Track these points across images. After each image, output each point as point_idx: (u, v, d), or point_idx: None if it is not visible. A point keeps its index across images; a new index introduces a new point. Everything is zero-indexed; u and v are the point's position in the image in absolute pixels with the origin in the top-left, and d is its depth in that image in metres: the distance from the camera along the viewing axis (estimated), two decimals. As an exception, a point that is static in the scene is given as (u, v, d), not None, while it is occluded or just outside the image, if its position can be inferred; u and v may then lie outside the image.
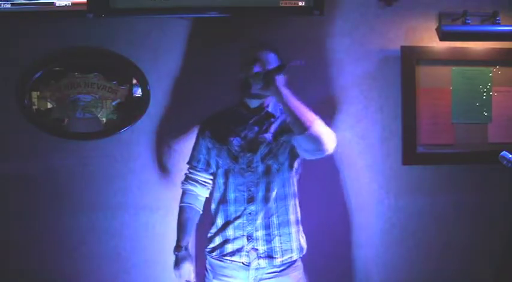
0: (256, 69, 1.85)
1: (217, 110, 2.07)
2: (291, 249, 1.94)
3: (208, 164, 2.01)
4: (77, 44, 2.31)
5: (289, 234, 1.94)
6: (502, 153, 2.04)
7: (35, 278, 2.34)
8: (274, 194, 1.91)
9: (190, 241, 2.09)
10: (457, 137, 2.43)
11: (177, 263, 1.97)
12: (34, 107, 2.31)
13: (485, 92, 2.43)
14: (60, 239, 2.34)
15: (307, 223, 2.38)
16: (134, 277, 2.37)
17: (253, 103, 1.96)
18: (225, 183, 1.94)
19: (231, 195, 1.92)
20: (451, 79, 2.42)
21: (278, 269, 1.93)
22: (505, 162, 2.03)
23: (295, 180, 1.99)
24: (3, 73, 2.29)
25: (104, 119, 2.34)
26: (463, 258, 2.45)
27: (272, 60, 1.90)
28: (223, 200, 1.95)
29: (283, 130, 1.93)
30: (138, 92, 2.33)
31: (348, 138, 2.39)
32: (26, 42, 2.29)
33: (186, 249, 2.00)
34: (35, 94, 2.30)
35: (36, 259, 2.33)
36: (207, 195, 2.04)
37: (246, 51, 1.96)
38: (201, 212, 2.03)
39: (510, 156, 2.02)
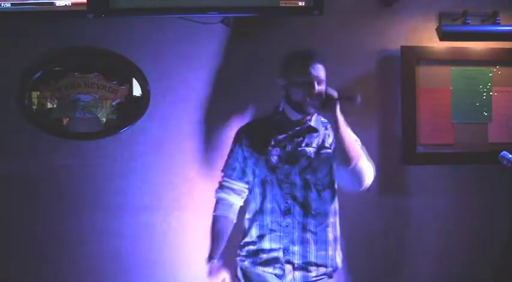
0: (317, 88, 1.79)
1: (255, 117, 2.03)
2: (326, 265, 1.88)
3: (243, 172, 1.94)
4: (77, 44, 2.31)
5: (326, 251, 1.88)
6: (502, 153, 2.04)
7: (35, 278, 2.34)
8: (313, 209, 1.86)
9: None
10: (457, 137, 2.43)
11: (210, 274, 1.93)
12: (34, 107, 2.31)
13: (485, 92, 2.43)
14: (60, 239, 2.34)
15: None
16: (134, 277, 2.36)
17: (296, 116, 1.88)
18: (262, 194, 1.89)
19: (268, 206, 1.87)
20: (451, 79, 2.42)
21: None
22: (505, 162, 2.02)
23: (335, 198, 1.94)
24: (3, 73, 2.29)
25: (104, 119, 2.34)
26: (463, 258, 2.45)
27: (323, 74, 1.84)
28: (259, 211, 1.89)
29: (327, 146, 1.89)
30: (138, 92, 2.33)
31: (348, 138, 2.38)
32: (26, 42, 2.29)
33: (219, 260, 1.94)
34: (35, 94, 2.30)
35: (36, 259, 2.33)
36: (241, 204, 1.98)
37: (296, 61, 1.85)
38: (235, 221, 1.98)
39: (510, 156, 2.02)
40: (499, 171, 2.15)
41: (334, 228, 1.93)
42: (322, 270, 1.88)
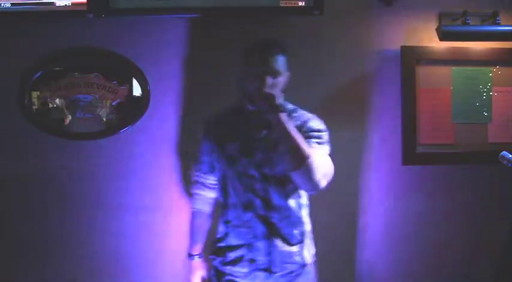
0: (270, 81, 1.72)
1: (221, 109, 1.97)
2: (294, 262, 1.83)
3: (212, 166, 1.90)
4: (77, 44, 2.31)
5: (291, 247, 1.82)
6: (502, 153, 2.04)
7: (35, 278, 2.34)
8: (275, 203, 1.80)
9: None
10: (457, 137, 2.43)
11: (192, 271, 1.95)
12: (34, 107, 2.31)
13: (485, 92, 2.43)
14: (60, 239, 2.34)
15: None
16: (134, 277, 2.37)
17: (252, 107, 1.83)
18: (224, 188, 1.86)
19: (230, 201, 1.84)
20: (451, 79, 2.42)
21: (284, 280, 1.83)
22: (505, 162, 2.03)
23: (302, 192, 1.86)
24: (3, 73, 2.29)
25: (104, 119, 2.34)
26: (463, 258, 2.45)
27: (282, 64, 1.77)
28: (224, 206, 1.87)
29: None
30: (138, 92, 2.33)
31: (347, 138, 2.38)
32: (26, 42, 2.29)
33: (199, 256, 1.93)
34: (35, 94, 2.30)
35: (36, 259, 2.33)
36: (215, 197, 1.96)
37: (251, 52, 1.80)
38: (211, 215, 1.97)
39: (510, 156, 2.02)
40: (499, 171, 2.15)
41: (300, 222, 1.85)
42: (289, 267, 1.82)
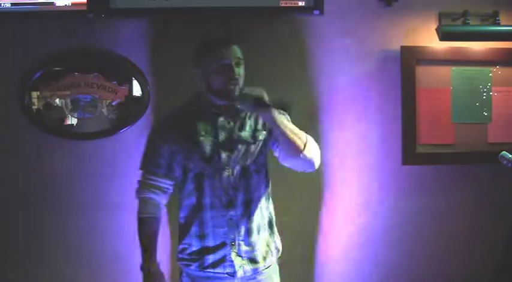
0: (240, 70, 1.74)
1: (171, 110, 1.89)
2: (271, 252, 1.84)
3: (169, 169, 1.80)
4: (77, 44, 2.31)
5: (267, 236, 1.84)
6: (502, 153, 2.04)
7: (35, 278, 2.34)
8: (254, 196, 1.79)
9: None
10: (457, 137, 2.43)
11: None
12: (34, 107, 2.31)
13: (485, 92, 2.43)
14: (60, 238, 2.34)
15: (307, 224, 2.39)
16: (134, 277, 2.36)
17: (220, 101, 1.78)
18: (198, 189, 1.77)
19: (207, 201, 1.76)
20: (451, 79, 2.42)
21: (261, 274, 1.82)
22: (505, 162, 2.03)
23: (269, 180, 1.88)
24: (3, 73, 2.29)
25: (104, 119, 2.34)
26: (463, 258, 2.45)
27: (240, 54, 1.77)
28: (197, 207, 1.78)
29: (260, 128, 1.82)
30: (138, 92, 2.33)
31: (348, 138, 2.39)
32: (26, 42, 2.29)
33: (158, 265, 1.81)
34: (35, 94, 2.30)
35: (36, 259, 2.33)
36: (166, 203, 1.86)
37: (211, 46, 1.79)
38: (161, 222, 1.87)
39: (510, 156, 2.02)
40: (499, 171, 2.15)
41: (269, 212, 1.87)
42: (269, 258, 1.83)
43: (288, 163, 1.81)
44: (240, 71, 1.76)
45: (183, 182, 1.81)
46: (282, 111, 1.83)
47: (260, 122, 1.83)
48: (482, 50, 2.40)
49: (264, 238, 1.83)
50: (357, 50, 2.38)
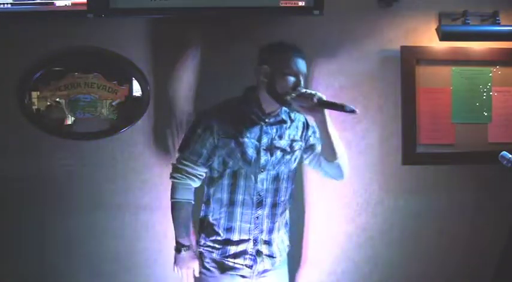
0: (303, 82, 1.82)
1: (223, 103, 1.93)
2: (284, 248, 2.02)
3: (209, 159, 1.87)
4: (77, 44, 2.31)
5: (283, 235, 2.01)
6: (502, 153, 2.04)
7: (35, 278, 2.34)
8: (281, 199, 1.92)
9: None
10: (457, 137, 2.43)
11: (182, 264, 1.88)
12: (34, 107, 2.31)
13: (485, 92, 2.43)
14: (60, 239, 2.34)
15: (307, 223, 2.39)
16: (134, 277, 2.37)
17: (269, 107, 1.87)
18: (233, 185, 1.87)
19: (239, 198, 1.87)
20: (451, 79, 2.42)
21: (275, 268, 1.98)
22: (505, 162, 2.03)
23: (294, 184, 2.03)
24: (3, 73, 2.29)
25: (104, 119, 2.34)
26: (463, 258, 2.45)
27: (304, 69, 1.86)
28: (230, 202, 1.88)
29: (298, 139, 1.95)
30: (138, 92, 2.33)
31: (348, 138, 2.38)
32: (26, 42, 2.29)
33: (190, 248, 1.90)
34: (35, 94, 2.30)
35: (36, 259, 2.33)
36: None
37: (283, 51, 1.85)
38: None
39: (510, 156, 2.02)
40: (499, 171, 2.15)
41: (287, 212, 2.02)
42: (284, 255, 2.00)
43: (320, 168, 1.98)
44: (303, 83, 1.85)
45: (220, 176, 1.89)
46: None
47: (298, 133, 1.96)
48: (482, 50, 2.40)
49: (281, 236, 1.99)
50: (357, 50, 2.38)
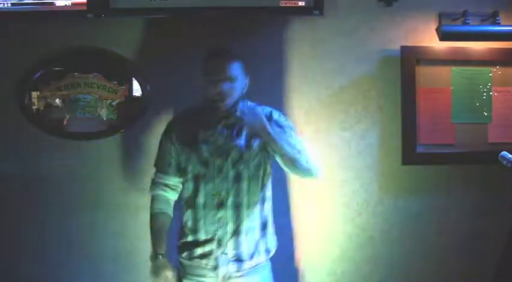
0: (225, 87, 1.83)
1: (183, 110, 2.02)
2: (258, 253, 1.92)
3: (179, 168, 1.94)
4: (77, 44, 2.31)
5: (257, 238, 1.92)
6: (502, 153, 2.04)
7: (35, 278, 2.34)
8: (244, 199, 1.89)
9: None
10: (457, 137, 2.43)
11: (157, 271, 1.89)
12: (34, 107, 2.31)
13: (485, 92, 2.43)
14: (60, 239, 2.34)
15: (307, 224, 2.39)
16: (135, 277, 2.36)
17: (221, 109, 1.90)
18: (194, 188, 1.90)
19: (201, 200, 1.89)
20: (451, 79, 2.42)
21: (246, 271, 1.91)
22: (505, 162, 2.03)
23: (268, 184, 1.97)
24: (3, 73, 2.29)
25: (104, 119, 2.34)
26: (463, 258, 2.45)
27: (237, 69, 1.88)
28: (192, 205, 1.91)
29: (254, 136, 1.89)
30: (138, 92, 2.33)
31: (348, 138, 2.39)
32: (26, 42, 2.29)
33: (164, 256, 1.92)
34: (35, 94, 2.30)
35: (36, 259, 2.33)
36: (175, 199, 1.99)
37: (208, 59, 1.90)
38: (172, 216, 1.98)
39: (510, 156, 2.02)
40: (499, 171, 2.15)
41: (262, 215, 1.94)
42: (256, 258, 1.91)
43: (294, 173, 1.91)
44: (226, 87, 1.85)
45: (186, 180, 1.94)
46: (283, 123, 1.93)
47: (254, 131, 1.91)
48: (482, 50, 2.40)
49: (253, 239, 1.91)
50: (357, 50, 2.38)
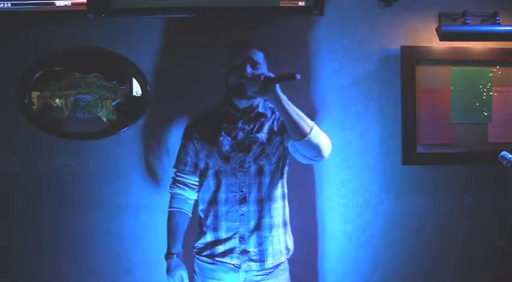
0: (249, 70, 1.82)
1: (203, 111, 2.07)
2: (280, 251, 1.94)
3: (196, 167, 1.99)
4: (77, 44, 2.31)
5: (279, 235, 1.93)
6: (502, 153, 2.04)
7: (35, 278, 2.34)
8: (266, 195, 1.90)
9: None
10: (457, 137, 2.43)
11: (170, 271, 1.94)
12: (34, 107, 2.31)
13: (485, 92, 2.43)
14: (60, 239, 2.34)
15: (307, 224, 2.39)
16: (135, 277, 2.37)
17: (243, 104, 1.93)
18: (216, 184, 1.92)
19: (222, 196, 1.90)
20: (451, 79, 2.42)
21: (267, 271, 1.92)
22: (505, 162, 2.03)
23: (285, 181, 1.99)
24: (3, 73, 2.29)
25: (104, 119, 2.34)
26: (463, 258, 2.45)
27: (261, 60, 1.89)
28: (213, 201, 1.92)
29: (277, 130, 1.93)
30: (138, 92, 2.33)
31: (348, 138, 2.39)
32: (26, 42, 2.29)
33: (178, 256, 1.97)
34: (35, 94, 2.30)
35: (36, 259, 2.33)
36: (196, 198, 2.02)
37: (233, 48, 1.92)
38: (191, 215, 2.03)
39: (510, 156, 2.02)
40: (499, 171, 2.15)
41: (283, 212, 1.96)
42: (278, 258, 1.92)
43: (297, 153, 1.84)
44: (253, 70, 1.84)
45: (205, 177, 1.95)
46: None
47: (279, 124, 1.94)
48: (482, 50, 2.40)
49: (277, 236, 1.92)
50: (357, 50, 2.38)
